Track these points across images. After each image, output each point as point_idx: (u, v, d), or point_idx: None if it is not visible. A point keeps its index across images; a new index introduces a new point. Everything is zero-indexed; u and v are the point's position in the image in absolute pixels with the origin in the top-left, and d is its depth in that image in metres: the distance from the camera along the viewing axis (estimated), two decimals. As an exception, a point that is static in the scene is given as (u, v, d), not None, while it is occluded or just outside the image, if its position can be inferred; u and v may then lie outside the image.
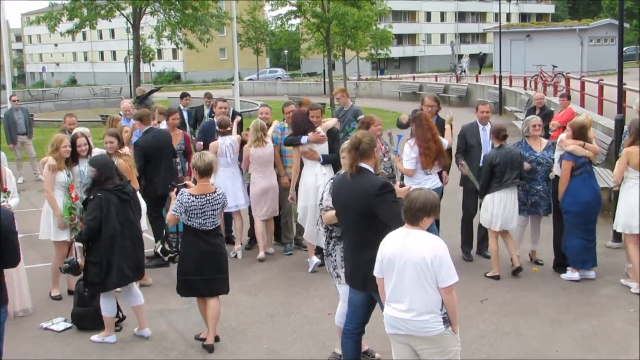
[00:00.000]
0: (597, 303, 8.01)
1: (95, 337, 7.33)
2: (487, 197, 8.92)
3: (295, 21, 51.36)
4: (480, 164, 9.22)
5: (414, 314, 4.85)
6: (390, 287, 5.01)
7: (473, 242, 9.87)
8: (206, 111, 14.68)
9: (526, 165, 8.98)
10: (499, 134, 8.92)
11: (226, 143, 10.07)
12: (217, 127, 10.28)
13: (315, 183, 9.03)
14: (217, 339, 7.19)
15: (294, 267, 9.65)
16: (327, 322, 7.02)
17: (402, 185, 5.84)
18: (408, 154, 8.38)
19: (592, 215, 8.65)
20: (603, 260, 9.23)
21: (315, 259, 9.29)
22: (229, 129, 10.19)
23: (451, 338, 4.95)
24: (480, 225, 9.49)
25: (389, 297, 5.03)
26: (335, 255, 6.23)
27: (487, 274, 8.97)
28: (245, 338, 7.37)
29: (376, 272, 5.13)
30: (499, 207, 8.85)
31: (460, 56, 61.66)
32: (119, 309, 7.57)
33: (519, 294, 8.40)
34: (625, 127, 9.65)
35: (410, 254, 4.84)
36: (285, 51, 71.42)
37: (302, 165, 9.36)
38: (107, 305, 7.25)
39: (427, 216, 4.90)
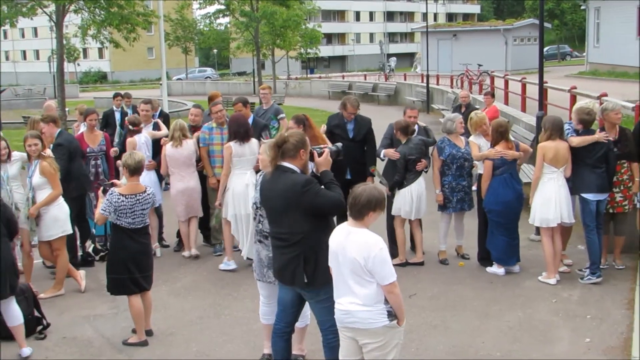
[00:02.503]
0: (522, 295, 8.21)
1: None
2: (404, 190, 9.16)
3: (224, 20, 51.20)
4: None
5: (358, 307, 4.91)
6: (334, 281, 5.09)
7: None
8: (129, 111, 14.39)
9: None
10: (407, 130, 9.22)
11: (141, 140, 10.11)
12: (129, 126, 10.21)
13: (245, 192, 8.99)
14: (150, 332, 7.26)
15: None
16: (257, 323, 6.99)
17: (320, 154, 5.68)
18: None
19: (513, 215, 8.85)
20: (526, 253, 9.47)
21: (232, 264, 9.40)
22: (141, 126, 10.27)
23: (394, 332, 5.00)
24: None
25: (335, 293, 5.09)
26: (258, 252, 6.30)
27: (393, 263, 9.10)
28: (174, 341, 7.27)
29: (329, 262, 5.18)
30: (417, 198, 9.17)
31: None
32: (42, 316, 7.40)
33: (447, 288, 8.55)
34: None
35: (348, 253, 4.89)
36: (214, 50, 70.90)
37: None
38: (8, 313, 6.81)
39: (372, 211, 4.93)
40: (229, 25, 53.91)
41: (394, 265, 8.84)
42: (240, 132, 9.03)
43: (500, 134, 8.78)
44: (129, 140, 10.07)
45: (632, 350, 6.46)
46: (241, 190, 9.05)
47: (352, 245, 4.89)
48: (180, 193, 9.85)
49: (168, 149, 9.78)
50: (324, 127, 9.56)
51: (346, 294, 4.98)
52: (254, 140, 9.16)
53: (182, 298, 8.55)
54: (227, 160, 9.15)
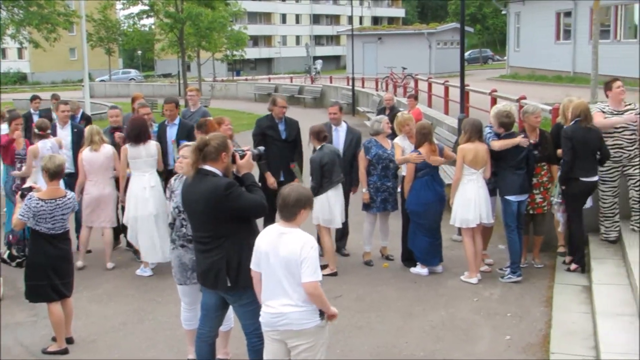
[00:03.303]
0: (444, 295, 8.36)
1: None
2: (322, 197, 9.06)
3: (148, 21, 50.42)
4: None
5: (291, 307, 4.89)
6: (264, 283, 5.03)
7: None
8: (54, 114, 14.01)
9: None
10: (319, 136, 9.14)
11: (47, 147, 9.73)
12: (35, 130, 9.91)
13: (144, 195, 9.04)
14: (71, 340, 7.10)
15: (147, 273, 9.44)
16: (181, 327, 6.92)
17: (242, 156, 5.64)
18: None
19: (435, 216, 8.99)
20: (449, 253, 9.64)
21: (149, 271, 9.33)
22: (48, 131, 9.95)
23: (323, 331, 5.02)
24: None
25: (265, 296, 5.03)
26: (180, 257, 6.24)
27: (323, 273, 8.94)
28: (96, 348, 7.13)
29: (252, 265, 5.12)
30: (335, 205, 9.12)
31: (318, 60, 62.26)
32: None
33: (372, 289, 8.63)
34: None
35: (282, 253, 4.88)
36: (139, 52, 69.79)
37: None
38: None
39: (302, 209, 4.95)
40: (153, 27, 53.04)
41: (326, 275, 8.90)
42: (132, 134, 9.03)
43: (423, 136, 8.91)
44: (30, 148, 9.72)
45: (550, 347, 6.65)
46: (139, 193, 9.06)
47: (287, 245, 4.88)
48: (95, 200, 9.56)
49: (86, 153, 9.46)
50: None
51: (278, 295, 4.94)
52: (152, 143, 9.19)
53: (104, 304, 8.38)
54: (122, 161, 9.18)
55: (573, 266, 8.73)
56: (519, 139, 8.50)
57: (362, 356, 6.80)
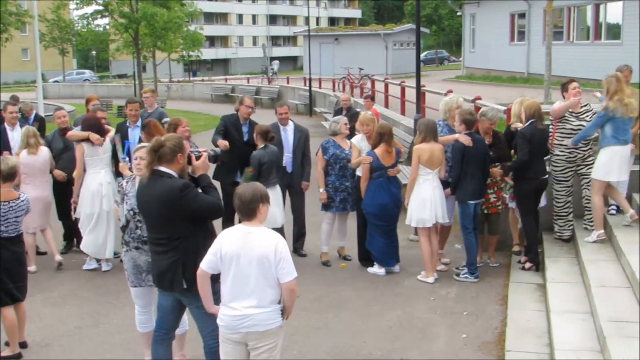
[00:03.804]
0: (401, 294, 8.41)
1: None
2: None
3: (103, 21, 49.76)
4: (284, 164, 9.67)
5: (257, 309, 4.88)
6: (228, 285, 4.97)
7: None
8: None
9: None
10: (267, 135, 9.04)
11: None
12: None
13: (101, 191, 9.10)
14: (24, 344, 6.99)
15: (102, 275, 9.33)
16: (138, 330, 6.86)
17: (198, 157, 5.61)
18: None
19: (390, 218, 9.02)
20: (406, 252, 9.68)
21: (94, 264, 9.48)
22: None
23: (282, 331, 5.06)
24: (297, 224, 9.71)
25: (228, 298, 4.98)
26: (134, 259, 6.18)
27: None
28: (51, 352, 7.02)
29: (207, 267, 5.03)
30: (273, 205, 8.93)
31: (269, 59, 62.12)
32: None
33: (329, 289, 8.64)
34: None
35: (254, 252, 4.86)
36: (93, 52, 68.89)
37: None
38: None
39: (261, 203, 4.95)
40: (107, 27, 52.33)
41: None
42: (92, 132, 9.03)
43: (380, 136, 8.93)
44: None
45: (506, 345, 6.73)
46: (96, 189, 9.11)
47: (258, 243, 4.87)
48: (34, 202, 9.18)
49: (23, 156, 9.33)
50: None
51: (244, 297, 4.91)
52: (107, 140, 9.23)
53: (59, 307, 8.25)
54: (79, 160, 9.17)
55: (527, 265, 8.85)
56: (461, 136, 8.57)
57: (320, 356, 6.81)
